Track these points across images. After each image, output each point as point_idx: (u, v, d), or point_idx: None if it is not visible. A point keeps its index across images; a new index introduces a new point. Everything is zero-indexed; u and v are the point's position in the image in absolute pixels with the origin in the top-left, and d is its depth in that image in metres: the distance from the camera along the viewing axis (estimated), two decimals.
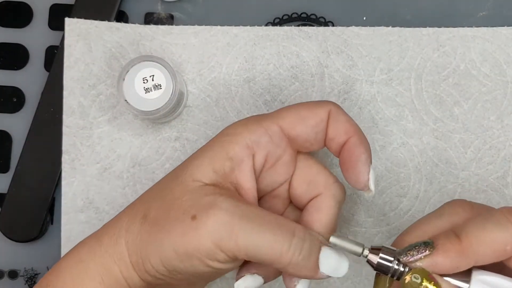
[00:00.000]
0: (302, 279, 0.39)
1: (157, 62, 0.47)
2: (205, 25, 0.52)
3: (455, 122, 0.51)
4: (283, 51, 0.52)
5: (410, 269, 0.35)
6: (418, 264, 0.35)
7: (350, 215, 0.51)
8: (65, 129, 0.51)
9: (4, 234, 0.51)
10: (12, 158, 0.53)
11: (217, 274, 0.39)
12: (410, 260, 0.35)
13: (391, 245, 0.38)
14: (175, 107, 0.49)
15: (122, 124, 0.51)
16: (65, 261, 0.40)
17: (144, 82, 0.47)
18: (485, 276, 0.35)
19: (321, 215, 0.41)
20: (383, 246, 0.37)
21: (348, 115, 0.41)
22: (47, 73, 0.53)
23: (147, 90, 0.47)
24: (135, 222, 0.39)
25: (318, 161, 0.43)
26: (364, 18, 0.53)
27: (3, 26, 0.54)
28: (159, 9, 0.54)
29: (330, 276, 0.38)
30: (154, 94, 0.47)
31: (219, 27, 0.52)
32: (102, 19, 0.52)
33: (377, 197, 0.51)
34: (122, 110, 0.51)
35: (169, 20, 0.53)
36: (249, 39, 0.52)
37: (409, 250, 0.35)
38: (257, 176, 0.41)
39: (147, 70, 0.47)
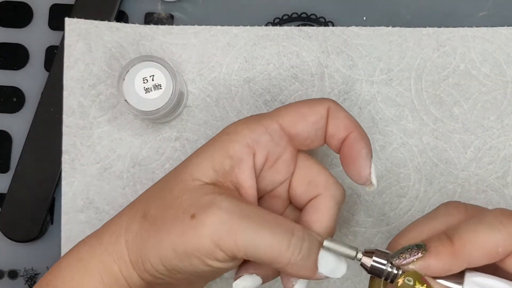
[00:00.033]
0: (300, 280, 0.39)
1: (157, 62, 0.47)
2: (205, 25, 0.52)
3: (455, 122, 0.51)
4: (283, 51, 0.52)
5: (403, 272, 0.35)
6: (411, 267, 0.35)
7: (350, 215, 0.51)
8: (65, 129, 0.51)
9: (4, 234, 0.51)
10: (12, 158, 0.53)
11: (216, 273, 0.39)
12: (403, 263, 0.35)
13: (386, 248, 0.38)
14: (175, 107, 0.49)
15: (122, 124, 0.51)
16: (65, 260, 0.40)
17: (144, 82, 0.47)
18: (478, 278, 0.35)
19: (320, 215, 0.41)
20: (376, 249, 0.37)
21: (347, 112, 0.41)
22: (47, 73, 0.53)
23: (147, 90, 0.47)
24: (134, 221, 0.39)
25: (318, 162, 0.43)
26: (364, 18, 0.53)
27: (3, 26, 0.54)
28: (159, 9, 0.54)
29: (328, 277, 0.38)
30: (154, 94, 0.47)
31: (219, 27, 0.52)
32: (102, 19, 0.52)
33: (377, 197, 0.51)
34: (122, 110, 0.51)
35: (169, 20, 0.53)
36: (249, 39, 0.52)
37: (401, 253, 0.35)
38: (257, 175, 0.41)
39: (147, 70, 0.47)
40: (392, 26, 0.52)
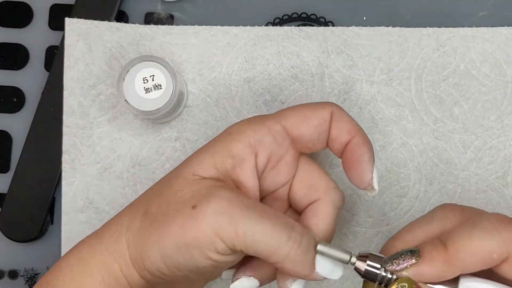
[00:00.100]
0: (297, 280, 0.39)
1: (157, 62, 0.47)
2: (205, 25, 0.52)
3: (455, 122, 0.51)
4: (283, 51, 0.52)
5: (397, 278, 0.35)
6: (404, 273, 0.35)
7: (350, 215, 0.51)
8: (65, 129, 0.51)
9: (4, 234, 0.51)
10: (12, 158, 0.53)
11: (215, 269, 0.39)
12: (396, 269, 0.35)
13: (381, 250, 0.38)
14: (175, 107, 0.49)
15: (122, 124, 0.51)
16: (65, 259, 0.40)
17: (144, 82, 0.47)
18: (473, 283, 0.35)
19: (318, 220, 0.41)
20: (370, 254, 0.36)
21: (350, 116, 0.41)
22: (47, 73, 0.53)
23: (147, 90, 0.47)
24: (135, 220, 0.39)
25: (320, 166, 0.43)
26: (364, 18, 0.53)
27: (3, 26, 0.54)
28: (159, 9, 0.54)
29: (325, 278, 0.38)
30: (154, 94, 0.47)
31: (219, 27, 0.52)
32: (102, 19, 0.52)
33: (377, 197, 0.51)
34: (122, 110, 0.51)
35: (169, 20, 0.53)
36: (249, 39, 0.52)
37: (395, 259, 0.35)
38: (259, 175, 0.41)
39: (147, 70, 0.47)
40: (392, 26, 0.52)
